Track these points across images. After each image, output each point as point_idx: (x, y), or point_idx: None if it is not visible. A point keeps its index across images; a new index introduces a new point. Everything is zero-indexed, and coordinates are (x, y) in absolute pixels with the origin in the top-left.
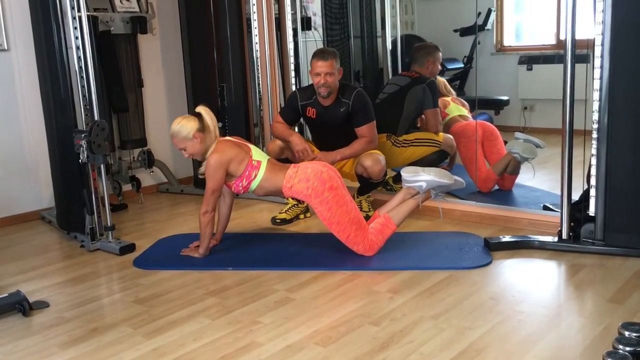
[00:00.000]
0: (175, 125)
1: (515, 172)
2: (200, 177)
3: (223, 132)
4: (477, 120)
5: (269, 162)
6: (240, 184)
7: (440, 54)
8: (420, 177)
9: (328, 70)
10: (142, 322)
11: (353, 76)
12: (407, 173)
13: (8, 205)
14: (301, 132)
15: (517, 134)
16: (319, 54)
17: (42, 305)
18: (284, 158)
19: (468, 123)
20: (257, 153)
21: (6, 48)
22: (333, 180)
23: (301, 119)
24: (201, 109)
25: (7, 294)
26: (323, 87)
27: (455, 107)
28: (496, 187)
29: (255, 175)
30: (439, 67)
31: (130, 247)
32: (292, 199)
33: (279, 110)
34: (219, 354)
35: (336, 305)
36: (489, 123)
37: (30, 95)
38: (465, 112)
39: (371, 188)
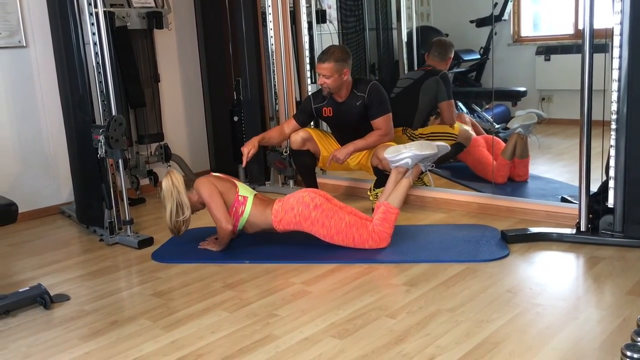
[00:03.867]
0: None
1: (525, 154)
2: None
3: (239, 126)
4: (482, 136)
5: (255, 198)
6: None
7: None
8: (403, 155)
9: (324, 73)
10: (161, 315)
11: (368, 69)
12: (390, 154)
13: (28, 199)
14: (317, 125)
15: (518, 112)
16: (320, 55)
17: (63, 298)
18: (306, 150)
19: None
20: (243, 189)
21: (25, 45)
22: (315, 199)
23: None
24: (163, 179)
25: (28, 288)
26: (323, 87)
27: (460, 125)
28: (511, 178)
29: (242, 212)
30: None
31: (149, 241)
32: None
33: (294, 103)
34: (236, 346)
35: (352, 298)
36: (490, 135)
37: (49, 91)
38: (469, 128)
39: (387, 180)
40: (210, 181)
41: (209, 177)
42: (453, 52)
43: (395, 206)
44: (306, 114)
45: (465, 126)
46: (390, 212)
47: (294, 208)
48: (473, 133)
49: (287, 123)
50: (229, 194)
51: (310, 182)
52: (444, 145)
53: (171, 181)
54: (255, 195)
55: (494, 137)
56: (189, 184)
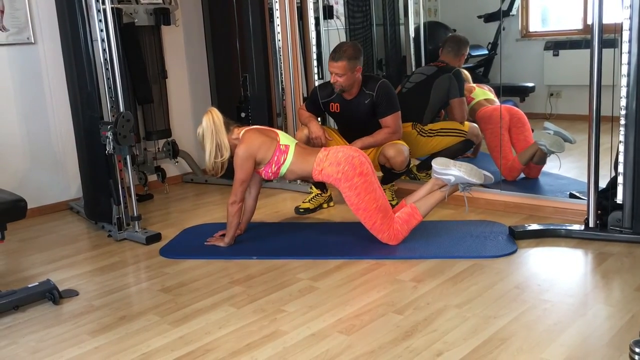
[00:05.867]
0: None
1: (542, 162)
2: (211, 173)
3: (247, 122)
4: (505, 105)
5: (297, 146)
6: (269, 170)
7: None
8: (450, 172)
9: (337, 72)
10: (169, 310)
11: (376, 65)
12: (437, 165)
13: (37, 196)
14: (324, 122)
15: (547, 124)
16: (332, 53)
17: (72, 293)
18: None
19: (495, 108)
20: (284, 138)
21: (33, 41)
22: (364, 166)
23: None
24: (204, 116)
25: (37, 283)
26: (335, 85)
27: (481, 91)
28: (522, 175)
29: (284, 160)
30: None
31: (157, 237)
32: (316, 188)
33: (301, 99)
34: (244, 341)
35: (360, 294)
36: (517, 108)
37: (57, 87)
38: (491, 95)
39: (394, 178)
40: (250, 151)
41: (253, 135)
42: (468, 49)
43: (422, 213)
44: (314, 105)
45: (486, 94)
46: (414, 218)
47: (340, 164)
48: (495, 99)
49: (303, 110)
50: (270, 147)
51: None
52: (489, 176)
53: (212, 120)
54: (296, 143)
55: (509, 106)
56: (226, 125)
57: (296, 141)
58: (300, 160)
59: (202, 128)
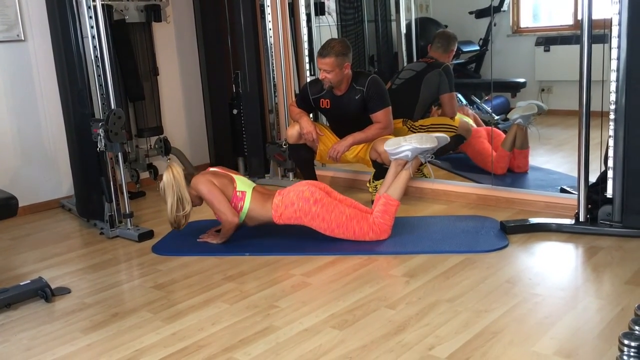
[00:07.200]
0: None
1: (525, 145)
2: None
3: (239, 119)
4: (482, 127)
5: (254, 192)
6: None
7: None
8: (402, 148)
9: (325, 68)
10: (162, 307)
11: (367, 61)
12: (389, 147)
13: (28, 193)
14: (315, 118)
15: (519, 103)
16: (320, 50)
17: (64, 291)
18: (302, 143)
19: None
20: (241, 183)
21: (23, 39)
22: (315, 193)
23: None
24: (165, 172)
25: (29, 281)
26: (324, 81)
27: (460, 117)
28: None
29: (242, 207)
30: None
31: (149, 234)
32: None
33: (293, 96)
34: (237, 337)
35: (352, 289)
36: (493, 127)
37: (48, 85)
38: (470, 120)
39: (386, 172)
40: (207, 178)
41: (206, 175)
42: (456, 45)
43: (395, 198)
44: (305, 101)
45: (465, 118)
46: (391, 204)
47: (294, 203)
48: (474, 124)
49: (294, 107)
50: (227, 191)
51: (308, 175)
52: (443, 137)
53: (172, 174)
54: (254, 188)
55: (493, 128)
56: (188, 178)
57: (254, 185)
58: (259, 207)
59: (163, 183)
